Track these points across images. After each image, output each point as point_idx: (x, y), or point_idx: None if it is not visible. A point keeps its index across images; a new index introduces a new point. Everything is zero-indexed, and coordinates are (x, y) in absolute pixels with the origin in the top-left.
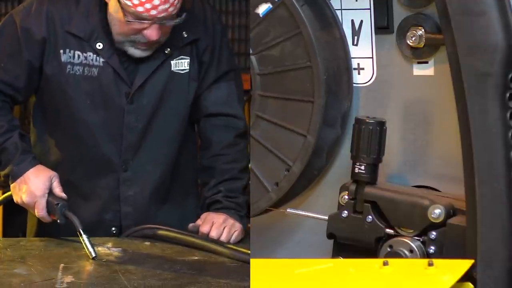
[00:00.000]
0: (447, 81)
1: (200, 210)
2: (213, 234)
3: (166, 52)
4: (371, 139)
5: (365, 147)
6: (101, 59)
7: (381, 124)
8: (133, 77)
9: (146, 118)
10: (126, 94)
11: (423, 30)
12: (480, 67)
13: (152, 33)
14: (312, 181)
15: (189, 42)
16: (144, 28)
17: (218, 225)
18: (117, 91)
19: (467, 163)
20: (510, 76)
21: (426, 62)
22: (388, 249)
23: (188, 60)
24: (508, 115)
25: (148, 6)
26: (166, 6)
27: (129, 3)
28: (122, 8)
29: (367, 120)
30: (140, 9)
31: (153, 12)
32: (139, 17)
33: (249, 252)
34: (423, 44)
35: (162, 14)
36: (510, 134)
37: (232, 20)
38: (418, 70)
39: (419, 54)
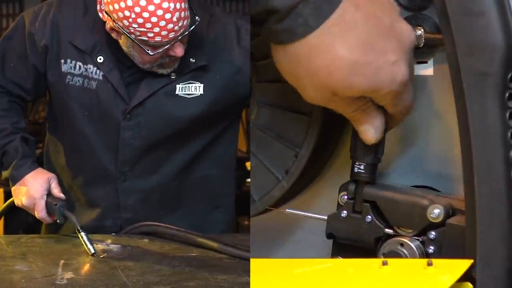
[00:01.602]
0: (447, 81)
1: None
2: None
3: (171, 76)
4: None
5: (365, 147)
6: (101, 73)
7: None
8: (133, 94)
9: (144, 136)
10: (123, 111)
11: (422, 30)
12: (479, 67)
13: (177, 50)
14: (323, 165)
15: (196, 68)
16: (169, 49)
17: None
18: (115, 107)
19: (466, 163)
20: (509, 76)
21: (426, 62)
22: (387, 250)
23: (199, 85)
24: (507, 115)
25: (164, 33)
26: (180, 23)
27: (144, 38)
28: (139, 44)
29: None
30: (158, 39)
31: (172, 35)
32: (161, 46)
33: (245, 248)
34: (422, 44)
35: (180, 31)
36: (509, 134)
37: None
38: (418, 70)
39: (418, 54)
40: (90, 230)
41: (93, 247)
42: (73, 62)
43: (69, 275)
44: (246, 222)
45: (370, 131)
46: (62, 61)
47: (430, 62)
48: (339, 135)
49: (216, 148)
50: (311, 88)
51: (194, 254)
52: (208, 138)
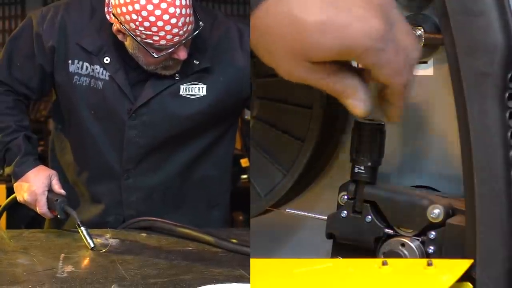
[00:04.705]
0: (447, 81)
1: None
2: None
3: (175, 77)
4: (370, 142)
5: (365, 150)
6: (107, 73)
7: (381, 127)
8: (139, 94)
9: (148, 135)
10: (128, 110)
11: (422, 30)
12: (479, 67)
13: (181, 53)
14: (328, 158)
15: (200, 69)
16: (173, 52)
17: None
18: (121, 106)
19: (466, 163)
20: (509, 76)
21: (426, 62)
22: (382, 256)
23: (202, 86)
24: (507, 115)
25: (169, 37)
26: (184, 28)
27: (150, 41)
28: (144, 47)
29: (367, 123)
30: (163, 42)
31: (176, 39)
32: (165, 49)
33: (236, 241)
34: (422, 44)
35: (185, 35)
36: (509, 134)
37: None
38: (418, 70)
39: None
40: (93, 225)
41: (93, 242)
42: (80, 62)
43: (69, 268)
44: (241, 217)
45: (356, 104)
46: (70, 61)
47: (430, 62)
48: (341, 125)
49: (216, 149)
50: (283, 60)
51: (190, 248)
52: (209, 139)
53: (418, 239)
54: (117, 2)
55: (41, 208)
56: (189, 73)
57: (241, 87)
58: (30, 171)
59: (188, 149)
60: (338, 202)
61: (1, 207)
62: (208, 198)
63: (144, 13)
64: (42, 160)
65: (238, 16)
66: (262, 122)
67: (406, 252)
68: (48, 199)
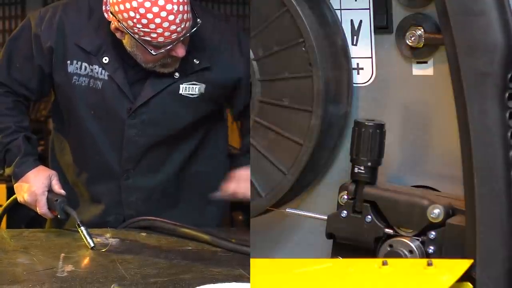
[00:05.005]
0: (447, 81)
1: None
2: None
3: (175, 76)
4: (370, 142)
5: (365, 150)
6: (106, 73)
7: (381, 127)
8: (138, 93)
9: (148, 134)
10: (128, 109)
11: (422, 30)
12: (479, 67)
13: (179, 50)
14: (327, 160)
15: (200, 69)
16: (171, 50)
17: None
18: (120, 105)
19: (466, 163)
20: (509, 76)
21: (426, 62)
22: (388, 249)
23: (202, 86)
24: (507, 115)
25: (167, 34)
26: (182, 25)
27: (148, 38)
28: (142, 44)
29: (367, 123)
30: (161, 39)
31: (174, 36)
32: (163, 46)
33: (234, 240)
34: (422, 44)
35: (182, 32)
36: (509, 134)
37: None
38: (418, 70)
39: (418, 54)
40: (93, 226)
41: (93, 241)
42: (79, 63)
43: (69, 267)
44: (241, 217)
45: None
46: (68, 62)
47: (430, 62)
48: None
49: (208, 144)
50: None
51: (189, 248)
52: (201, 135)
53: (418, 239)
54: (114, 0)
55: (41, 208)
56: (188, 72)
57: (240, 88)
58: (30, 172)
59: (184, 147)
60: (338, 202)
61: (2, 208)
62: (203, 193)
63: (142, 10)
64: (42, 160)
65: (238, 16)
66: (263, 123)
67: (406, 253)
68: (48, 199)
